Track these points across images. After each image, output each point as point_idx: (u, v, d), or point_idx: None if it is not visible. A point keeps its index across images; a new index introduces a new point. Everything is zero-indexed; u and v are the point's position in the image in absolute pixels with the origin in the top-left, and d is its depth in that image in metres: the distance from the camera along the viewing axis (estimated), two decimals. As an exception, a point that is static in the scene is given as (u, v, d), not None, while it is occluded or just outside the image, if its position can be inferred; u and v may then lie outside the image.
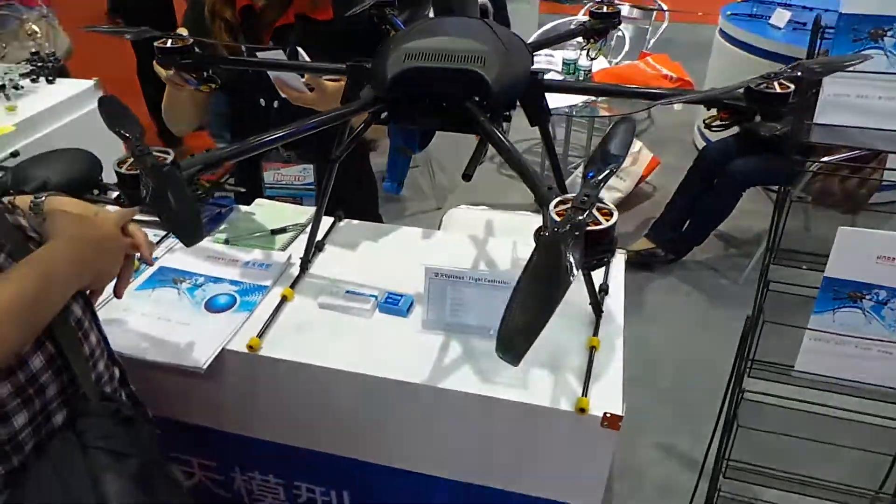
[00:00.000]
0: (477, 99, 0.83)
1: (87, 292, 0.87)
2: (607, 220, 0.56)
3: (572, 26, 1.31)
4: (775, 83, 0.85)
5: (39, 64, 2.16)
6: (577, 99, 2.61)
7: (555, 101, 2.57)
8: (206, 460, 1.23)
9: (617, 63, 3.32)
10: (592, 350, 1.03)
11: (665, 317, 2.61)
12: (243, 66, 1.06)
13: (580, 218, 0.54)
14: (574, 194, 0.58)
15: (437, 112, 0.87)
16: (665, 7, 3.97)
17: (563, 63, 2.72)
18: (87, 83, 2.19)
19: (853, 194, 2.43)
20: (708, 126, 0.91)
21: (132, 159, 0.66)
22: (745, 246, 3.02)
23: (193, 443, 1.21)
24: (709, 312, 2.64)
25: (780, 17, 3.43)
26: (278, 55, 1.14)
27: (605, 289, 1.17)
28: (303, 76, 1.19)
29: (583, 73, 2.66)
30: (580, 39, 1.30)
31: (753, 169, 2.57)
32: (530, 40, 3.19)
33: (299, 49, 1.19)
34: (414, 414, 1.02)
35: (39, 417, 0.75)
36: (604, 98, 2.70)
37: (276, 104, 1.38)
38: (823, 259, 1.15)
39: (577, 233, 0.53)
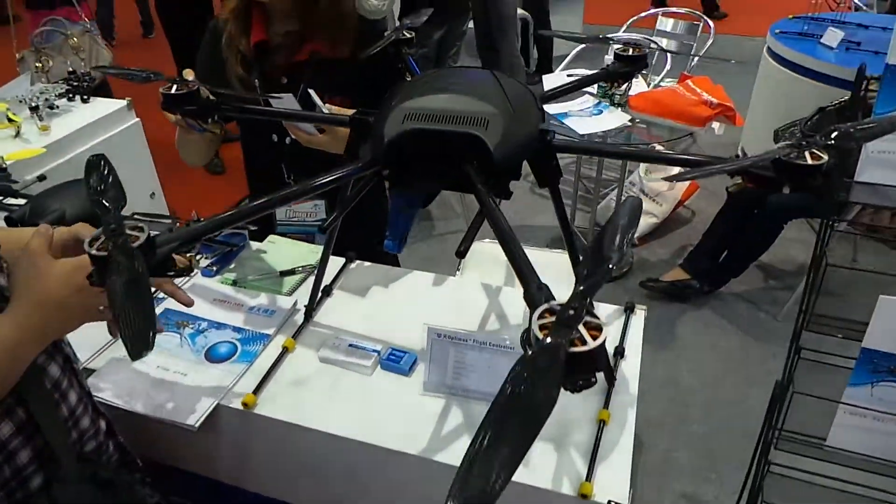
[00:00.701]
0: (477, 164, 0.78)
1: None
2: (595, 338, 0.50)
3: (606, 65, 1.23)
4: (806, 153, 0.77)
5: (75, 83, 2.20)
6: (613, 123, 2.52)
7: (588, 125, 2.49)
8: (204, 507, 1.21)
9: (657, 84, 3.21)
10: (601, 424, 0.97)
11: (697, 353, 2.50)
12: (249, 113, 1.02)
13: (558, 340, 0.48)
14: (563, 303, 0.53)
15: (436, 175, 0.83)
16: (711, 23, 3.84)
17: (599, 86, 2.64)
18: (121, 103, 2.22)
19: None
20: (731, 194, 0.84)
21: (103, 238, 0.63)
22: (787, 278, 2.88)
23: (190, 489, 1.18)
24: (745, 349, 2.52)
25: (833, 36, 3.27)
26: (289, 99, 1.12)
27: (620, 352, 1.10)
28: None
29: (618, 97, 2.57)
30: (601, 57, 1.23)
31: (796, 201, 2.44)
32: (559, 67, 3.08)
33: (311, 91, 1.16)
34: (407, 484, 0.97)
35: (12, 483, 0.74)
36: (641, 121, 2.61)
37: (288, 140, 1.35)
38: (862, 327, 1.06)
39: (554, 358, 0.47)
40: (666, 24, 3.93)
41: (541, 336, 0.51)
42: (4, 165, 1.69)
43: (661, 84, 3.22)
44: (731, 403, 2.27)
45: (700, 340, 2.57)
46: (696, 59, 3.66)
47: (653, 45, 3.58)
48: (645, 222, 3.15)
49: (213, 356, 1.11)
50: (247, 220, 0.78)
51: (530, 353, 0.50)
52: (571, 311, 0.51)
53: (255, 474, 1.10)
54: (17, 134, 1.97)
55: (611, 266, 0.57)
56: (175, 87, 0.99)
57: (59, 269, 0.75)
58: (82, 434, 0.84)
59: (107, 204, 0.68)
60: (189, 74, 1.04)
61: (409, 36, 1.23)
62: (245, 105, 1.01)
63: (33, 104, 1.97)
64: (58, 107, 2.10)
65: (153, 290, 0.86)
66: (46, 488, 0.77)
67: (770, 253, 2.75)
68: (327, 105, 1.16)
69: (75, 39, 2.42)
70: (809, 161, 0.77)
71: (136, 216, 1.45)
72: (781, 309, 2.67)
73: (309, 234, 1.44)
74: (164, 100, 0.99)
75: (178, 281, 1.29)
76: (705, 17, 3.79)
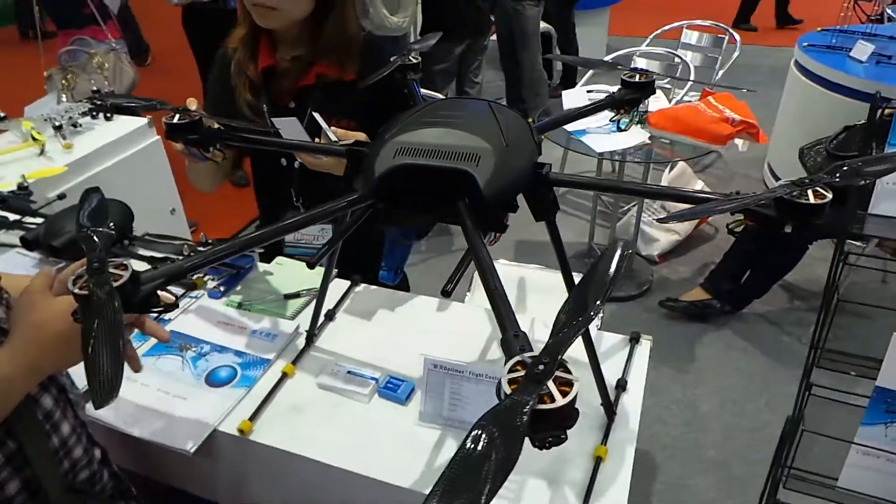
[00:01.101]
0: (468, 199, 0.77)
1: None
2: (565, 395, 0.49)
3: (612, 91, 1.22)
4: (809, 191, 0.75)
5: (98, 102, 2.25)
6: (631, 141, 2.49)
7: (606, 143, 2.46)
8: (205, 529, 1.22)
9: (680, 100, 3.17)
10: (598, 461, 0.95)
11: (717, 376, 2.45)
12: (250, 143, 1.03)
13: (523, 398, 0.47)
14: (535, 356, 0.52)
15: (428, 210, 0.82)
16: (737, 35, 3.78)
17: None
18: (142, 121, 2.26)
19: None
20: (731, 232, 0.82)
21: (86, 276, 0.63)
22: (812, 299, 2.80)
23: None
24: (767, 372, 2.45)
25: (863, 49, 3.18)
26: (293, 122, 1.13)
27: (622, 385, 1.08)
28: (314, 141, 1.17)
29: (637, 114, 2.54)
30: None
31: (822, 221, 2.37)
32: (581, 83, 3.07)
33: (315, 115, 1.16)
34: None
35: None
36: (662, 138, 2.57)
37: (296, 164, 1.36)
38: (876, 364, 1.02)
39: (518, 417, 0.46)
40: (690, 36, 3.88)
41: (509, 391, 0.49)
42: (26, 184, 1.73)
43: (684, 100, 3.18)
44: (751, 429, 2.21)
45: (721, 362, 2.51)
46: (720, 73, 3.61)
47: (676, 60, 3.54)
48: (666, 239, 3.09)
49: (213, 380, 1.12)
50: (239, 255, 0.78)
51: (494, 408, 0.48)
52: (541, 367, 0.50)
53: (252, 498, 1.10)
54: (42, 152, 2.02)
55: (591, 314, 0.55)
56: (178, 116, 1.01)
57: (58, 306, 0.76)
58: (75, 463, 0.85)
59: (95, 240, 0.69)
60: (192, 104, 1.05)
61: (414, 61, 1.23)
62: (246, 135, 1.02)
63: (57, 123, 2.02)
64: (81, 125, 2.14)
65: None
66: None
67: (795, 272, 2.68)
68: (333, 128, 1.17)
69: (99, 58, 2.48)
70: (812, 200, 0.74)
71: (147, 236, 1.48)
72: (807, 331, 2.59)
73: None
74: (166, 129, 1.01)
75: (185, 301, 1.31)
76: (730, 30, 3.73)
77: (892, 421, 1.03)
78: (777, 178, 3.58)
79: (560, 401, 0.48)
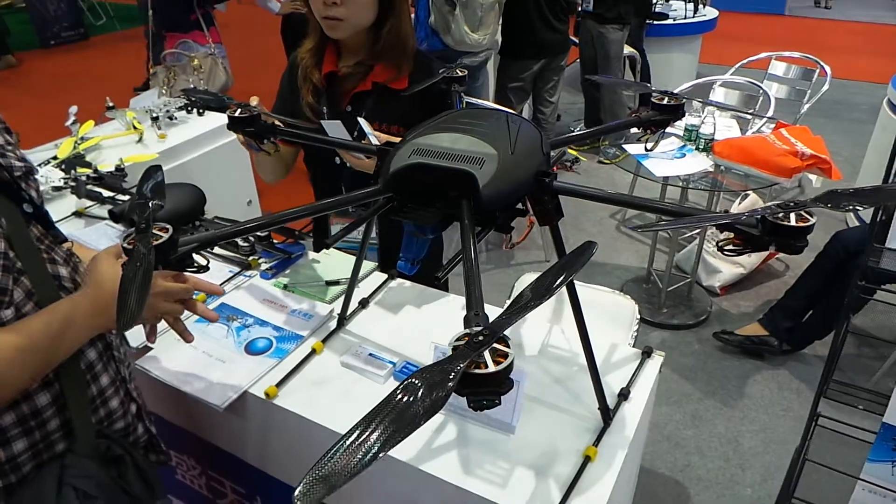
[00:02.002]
0: (469, 199, 0.85)
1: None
2: (498, 364, 0.56)
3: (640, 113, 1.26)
4: (792, 215, 0.78)
5: (193, 98, 2.48)
6: (694, 167, 2.47)
7: (667, 168, 2.46)
8: (234, 484, 1.34)
9: (757, 131, 3.10)
10: (586, 460, 0.99)
11: (766, 415, 2.37)
12: (295, 138, 1.16)
13: (455, 364, 0.54)
14: (480, 329, 0.59)
15: (435, 208, 0.90)
16: (827, 67, 3.65)
17: (685, 129, 2.60)
18: (229, 118, 2.48)
19: None
20: (720, 249, 0.85)
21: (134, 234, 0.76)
22: (882, 346, 2.65)
23: (223, 465, 1.32)
24: (821, 417, 2.36)
25: (965, 90, 3.01)
26: (338, 125, 1.24)
27: (624, 394, 1.11)
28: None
29: (703, 141, 2.52)
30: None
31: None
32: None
33: (361, 120, 1.28)
34: (395, 487, 1.04)
35: (41, 444, 0.87)
36: (728, 168, 2.54)
37: (348, 164, 1.48)
38: (884, 400, 1.01)
39: (446, 376, 0.53)
40: (778, 67, 3.78)
41: (450, 354, 0.57)
42: (122, 167, 1.95)
43: (761, 131, 3.10)
44: (795, 471, 2.13)
45: (771, 402, 2.43)
46: (805, 107, 3.49)
47: (761, 91, 3.46)
48: (730, 271, 3.02)
49: (251, 349, 1.24)
50: (268, 230, 0.89)
51: (430, 366, 0.56)
52: (481, 338, 0.57)
53: (274, 458, 1.21)
54: (140, 139, 2.26)
55: (544, 300, 0.62)
56: (239, 110, 1.14)
57: (118, 270, 0.88)
58: (111, 413, 0.96)
59: (147, 206, 0.82)
60: (254, 101, 1.19)
61: (461, 74, 1.33)
62: (295, 131, 1.14)
63: (154, 115, 2.25)
64: (176, 118, 2.38)
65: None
66: (64, 455, 0.89)
67: (866, 316, 2.57)
68: (376, 133, 1.28)
69: (197, 61, 2.74)
70: (794, 223, 0.77)
71: (216, 219, 1.64)
72: (869, 378, 2.47)
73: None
74: (228, 121, 1.15)
75: (239, 279, 1.45)
76: (821, 62, 3.60)
77: (899, 460, 1.01)
78: (859, 219, 3.41)
79: (491, 368, 0.55)
